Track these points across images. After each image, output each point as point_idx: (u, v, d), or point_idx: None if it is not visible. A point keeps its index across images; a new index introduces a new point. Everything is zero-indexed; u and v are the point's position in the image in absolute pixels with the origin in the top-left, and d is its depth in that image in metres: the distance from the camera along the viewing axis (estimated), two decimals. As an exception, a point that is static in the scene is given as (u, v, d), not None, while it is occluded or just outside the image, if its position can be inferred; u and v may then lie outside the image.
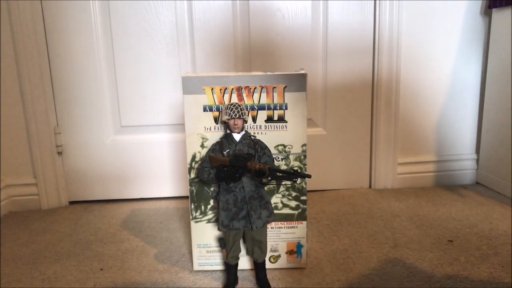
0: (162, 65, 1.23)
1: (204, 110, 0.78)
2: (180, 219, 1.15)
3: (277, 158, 0.79)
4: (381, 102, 1.28)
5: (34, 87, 1.19)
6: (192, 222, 0.82)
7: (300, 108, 0.78)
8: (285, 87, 0.77)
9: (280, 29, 1.23)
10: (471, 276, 0.80)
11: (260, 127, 0.79)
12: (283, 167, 0.80)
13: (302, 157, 0.80)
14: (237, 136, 0.74)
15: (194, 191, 0.81)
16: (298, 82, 0.77)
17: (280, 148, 0.79)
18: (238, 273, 0.82)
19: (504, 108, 1.21)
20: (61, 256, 0.94)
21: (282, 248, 0.84)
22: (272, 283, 0.79)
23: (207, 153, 0.76)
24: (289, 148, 0.79)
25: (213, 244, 0.83)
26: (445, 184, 1.36)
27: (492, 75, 1.26)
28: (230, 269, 0.78)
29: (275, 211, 0.80)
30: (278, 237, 0.83)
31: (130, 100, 1.25)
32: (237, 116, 0.72)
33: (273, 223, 0.82)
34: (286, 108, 0.78)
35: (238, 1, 1.22)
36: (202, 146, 0.79)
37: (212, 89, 0.77)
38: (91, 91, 1.23)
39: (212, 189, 0.80)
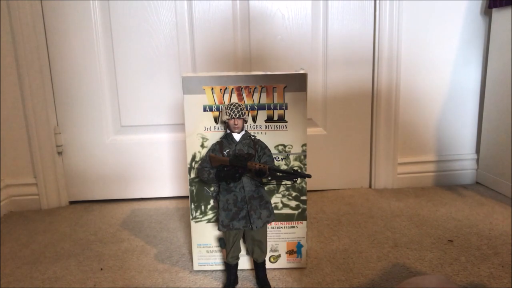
0: (163, 65, 1.23)
1: (204, 110, 0.78)
2: (180, 219, 1.15)
3: (277, 158, 0.79)
4: (381, 102, 1.28)
5: (34, 87, 1.19)
6: (192, 222, 0.82)
7: (300, 108, 0.78)
8: (285, 87, 0.77)
9: (280, 29, 1.23)
10: (471, 276, 0.80)
11: (260, 127, 0.79)
12: (283, 167, 0.80)
13: (302, 157, 0.80)
14: (237, 136, 0.74)
15: (194, 191, 0.81)
16: (298, 81, 0.77)
17: (280, 148, 0.79)
18: (238, 273, 0.82)
19: (504, 108, 1.21)
20: (61, 256, 0.94)
21: (282, 248, 0.84)
22: (272, 283, 0.79)
23: (207, 153, 0.76)
24: (289, 148, 0.79)
25: (213, 244, 0.83)
26: (445, 184, 1.36)
27: (492, 75, 1.26)
28: (230, 269, 0.78)
29: (275, 211, 0.80)
30: (278, 237, 0.83)
31: (130, 100, 1.25)
32: (237, 116, 0.72)
33: (273, 223, 0.82)
34: (286, 108, 0.78)
35: (238, 1, 1.22)
36: (202, 146, 0.79)
37: (212, 89, 0.77)
38: (91, 91, 1.24)
39: (212, 189, 0.80)
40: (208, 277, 0.83)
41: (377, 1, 1.23)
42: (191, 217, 0.82)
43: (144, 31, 1.21)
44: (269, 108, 0.78)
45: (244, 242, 0.80)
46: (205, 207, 0.81)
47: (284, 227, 0.83)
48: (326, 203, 1.23)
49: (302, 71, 0.78)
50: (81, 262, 0.91)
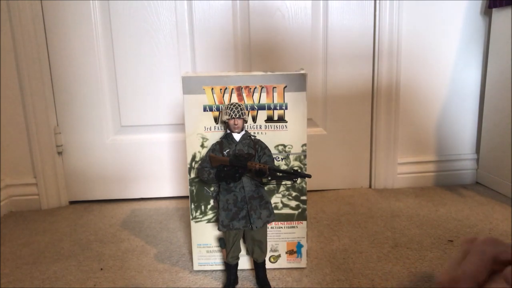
0: (162, 65, 1.23)
1: (204, 110, 0.78)
2: (180, 219, 1.15)
3: (277, 158, 0.79)
4: (381, 102, 1.28)
5: (34, 87, 1.19)
6: (192, 222, 0.82)
7: (300, 108, 0.78)
8: (285, 87, 0.77)
9: (280, 29, 1.23)
10: (471, 276, 0.80)
11: (260, 127, 0.79)
12: (283, 167, 0.80)
13: (302, 157, 0.80)
14: (237, 136, 0.74)
15: (194, 191, 0.81)
16: (298, 82, 0.77)
17: (280, 148, 0.79)
18: (238, 273, 0.82)
19: (504, 108, 1.21)
20: (61, 256, 0.94)
21: (282, 248, 0.84)
22: (272, 283, 0.79)
23: (207, 153, 0.76)
24: (289, 148, 0.79)
25: (213, 244, 0.83)
26: (445, 184, 1.36)
27: (492, 75, 1.26)
28: (230, 269, 0.78)
29: (275, 211, 0.80)
30: (278, 237, 0.83)
31: (130, 100, 1.25)
32: (237, 116, 0.72)
33: (273, 223, 0.82)
34: (286, 108, 0.78)
35: (238, 1, 1.22)
36: (202, 146, 0.79)
37: (212, 89, 0.77)
38: (91, 91, 1.24)
39: (212, 189, 0.80)
40: (208, 277, 0.83)
41: (377, 1, 1.23)
42: (191, 217, 0.82)
43: (144, 31, 1.21)
44: (269, 108, 0.78)
45: (244, 242, 0.80)
46: (205, 207, 0.81)
47: (284, 227, 0.83)
48: (326, 203, 1.23)
49: (302, 71, 0.78)
50: (81, 262, 0.91)
